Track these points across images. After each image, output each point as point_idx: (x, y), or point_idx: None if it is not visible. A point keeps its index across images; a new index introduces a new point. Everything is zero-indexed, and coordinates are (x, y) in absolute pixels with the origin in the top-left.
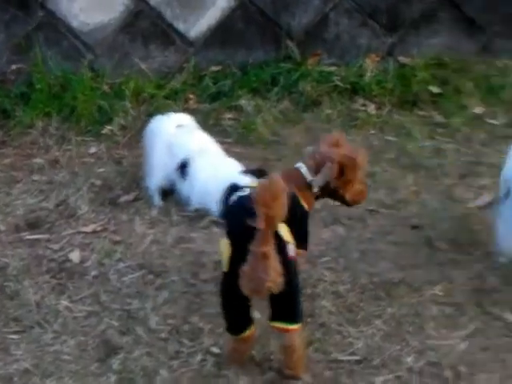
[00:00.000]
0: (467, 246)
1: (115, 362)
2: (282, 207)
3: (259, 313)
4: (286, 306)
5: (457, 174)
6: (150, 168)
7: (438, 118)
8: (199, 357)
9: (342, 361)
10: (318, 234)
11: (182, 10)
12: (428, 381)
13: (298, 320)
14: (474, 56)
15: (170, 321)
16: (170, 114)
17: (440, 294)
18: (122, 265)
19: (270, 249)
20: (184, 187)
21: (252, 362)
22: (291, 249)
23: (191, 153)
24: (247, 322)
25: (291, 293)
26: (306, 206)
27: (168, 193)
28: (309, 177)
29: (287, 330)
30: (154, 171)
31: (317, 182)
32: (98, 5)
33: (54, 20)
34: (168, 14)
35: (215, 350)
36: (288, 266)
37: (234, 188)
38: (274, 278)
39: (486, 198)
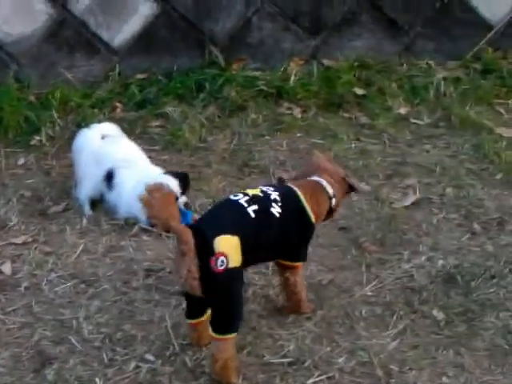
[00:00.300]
0: (395, 246)
1: (50, 373)
2: (165, 211)
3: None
4: (217, 316)
5: (383, 174)
6: (79, 179)
7: (363, 120)
8: (133, 364)
9: (274, 363)
10: None
11: (105, 18)
12: (360, 380)
13: (224, 331)
14: (397, 57)
15: (103, 329)
16: (95, 124)
17: (369, 294)
18: (53, 275)
19: (187, 249)
20: (111, 197)
21: (184, 368)
22: (222, 262)
23: (116, 163)
24: None
25: (220, 305)
26: (313, 218)
27: (97, 202)
28: (330, 190)
29: (216, 339)
30: (83, 182)
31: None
32: (20, 15)
33: None
34: (92, 23)
35: (149, 356)
36: (214, 278)
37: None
38: (186, 277)
39: (412, 198)
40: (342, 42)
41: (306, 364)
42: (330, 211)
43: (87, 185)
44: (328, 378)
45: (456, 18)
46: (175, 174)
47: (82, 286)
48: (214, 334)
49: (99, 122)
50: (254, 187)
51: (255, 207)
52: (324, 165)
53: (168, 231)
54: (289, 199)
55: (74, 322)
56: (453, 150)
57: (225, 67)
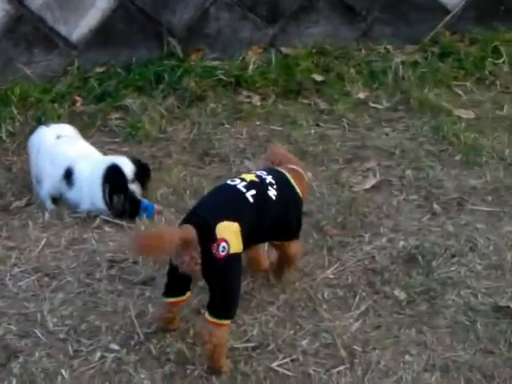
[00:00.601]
0: (356, 229)
1: (16, 366)
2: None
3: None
4: (215, 300)
5: (343, 158)
6: (38, 177)
7: (323, 105)
8: (98, 354)
9: (238, 348)
10: None
11: (63, 12)
12: (323, 361)
13: (221, 316)
14: (355, 43)
15: (67, 321)
16: (52, 124)
17: (331, 276)
18: (17, 270)
19: (189, 240)
20: (72, 194)
21: (150, 356)
22: (223, 248)
23: (73, 160)
24: None
25: (220, 290)
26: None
27: (57, 199)
28: (306, 177)
29: (211, 323)
30: (43, 181)
31: None
32: None
33: None
34: (49, 18)
35: (114, 346)
36: (215, 263)
37: (114, 168)
38: (188, 263)
39: (372, 181)
40: (300, 29)
41: (270, 347)
42: None
43: (47, 183)
44: (292, 360)
45: (413, 3)
46: (133, 160)
47: (46, 279)
48: (209, 318)
49: (59, 118)
50: (248, 172)
51: (253, 192)
52: (288, 156)
53: None
54: (281, 181)
55: (39, 315)
56: (412, 133)
57: (183, 58)
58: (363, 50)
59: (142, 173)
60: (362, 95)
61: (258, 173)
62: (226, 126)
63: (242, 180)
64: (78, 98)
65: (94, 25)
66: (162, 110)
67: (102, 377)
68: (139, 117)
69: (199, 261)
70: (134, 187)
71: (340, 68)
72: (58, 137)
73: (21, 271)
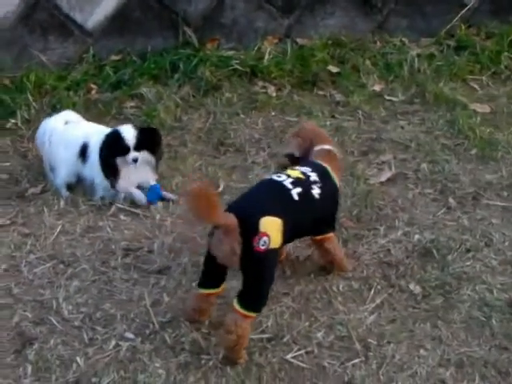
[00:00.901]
0: (371, 222)
1: (31, 353)
2: (206, 213)
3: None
4: (247, 292)
5: (358, 151)
6: (53, 166)
7: (338, 97)
8: (113, 342)
9: (253, 339)
10: None
11: (78, 0)
12: (338, 354)
13: (250, 308)
14: (371, 35)
15: (82, 309)
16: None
17: None
18: (32, 256)
19: (231, 229)
20: (87, 171)
21: (164, 345)
22: (264, 242)
23: (87, 136)
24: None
25: (254, 282)
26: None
27: (73, 186)
28: (340, 156)
29: (238, 313)
30: (57, 169)
31: None
32: None
33: None
34: (64, 5)
35: (129, 335)
36: (253, 256)
37: (110, 134)
38: (228, 253)
39: (387, 174)
40: (316, 20)
41: (285, 339)
42: None
43: (62, 171)
44: (307, 352)
45: None
46: (137, 127)
47: (61, 266)
48: (238, 307)
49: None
50: (293, 168)
51: (299, 190)
52: (319, 132)
53: None
54: (324, 178)
55: (54, 302)
56: (427, 126)
57: (199, 47)
58: (379, 42)
59: (151, 139)
60: (377, 87)
61: (303, 169)
62: (242, 116)
63: (288, 176)
64: (93, 86)
65: (110, 12)
66: (177, 98)
67: (116, 365)
68: (154, 105)
69: (238, 252)
70: (138, 154)
71: (355, 60)
72: (67, 122)
73: (36, 258)
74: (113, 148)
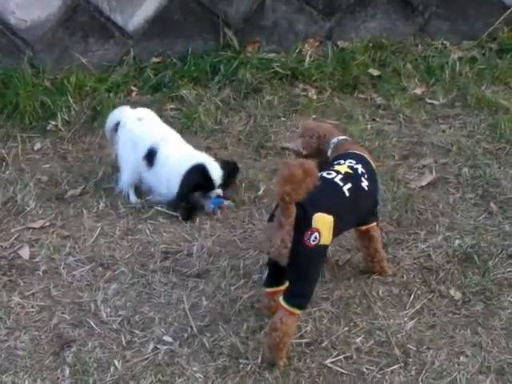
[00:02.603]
0: (411, 226)
1: (69, 355)
2: (300, 191)
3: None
4: (293, 287)
5: (399, 154)
6: (120, 167)
7: (379, 100)
8: (151, 346)
9: (292, 344)
10: None
11: (119, 2)
12: (377, 360)
13: (295, 304)
14: (412, 38)
15: (120, 312)
16: (129, 108)
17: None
18: (71, 259)
19: (286, 221)
20: (150, 176)
21: (202, 349)
22: (315, 238)
23: (157, 142)
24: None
25: (301, 277)
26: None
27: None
28: None
29: (284, 309)
30: (123, 170)
31: None
32: (34, 1)
33: None
34: (105, 8)
35: (167, 338)
36: (302, 251)
37: (198, 167)
38: (278, 246)
39: (428, 178)
40: (357, 23)
41: (324, 344)
42: None
43: (128, 171)
44: (345, 357)
45: None
46: (223, 163)
47: (100, 269)
48: (283, 303)
49: (114, 107)
50: (338, 163)
51: (349, 185)
52: (326, 127)
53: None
54: (367, 167)
55: (92, 304)
56: (469, 130)
57: (239, 50)
58: (420, 46)
59: (230, 175)
60: (418, 91)
61: (348, 163)
62: (282, 118)
63: (338, 173)
64: (133, 88)
65: (151, 15)
66: (217, 101)
67: (154, 368)
68: (195, 108)
69: (289, 245)
70: (220, 191)
71: (396, 63)
72: (140, 119)
73: (75, 260)
74: (198, 185)
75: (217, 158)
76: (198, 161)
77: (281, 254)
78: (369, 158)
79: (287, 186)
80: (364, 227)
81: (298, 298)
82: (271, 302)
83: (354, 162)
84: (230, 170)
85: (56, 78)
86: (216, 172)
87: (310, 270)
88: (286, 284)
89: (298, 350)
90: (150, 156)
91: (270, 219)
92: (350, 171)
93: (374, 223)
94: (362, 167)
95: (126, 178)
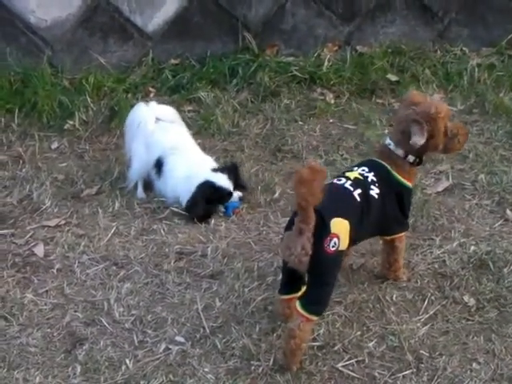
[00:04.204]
0: (427, 232)
1: (81, 353)
2: (313, 191)
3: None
4: (311, 293)
5: None
6: (130, 158)
7: (397, 106)
8: (163, 346)
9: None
10: None
11: (139, 3)
12: (390, 365)
13: (312, 310)
14: (431, 43)
15: (133, 311)
16: (152, 105)
17: None
18: (85, 257)
19: (306, 228)
20: (159, 184)
21: (214, 350)
22: (334, 243)
23: (166, 151)
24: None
25: (320, 284)
26: (407, 182)
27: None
28: (399, 152)
29: (301, 315)
30: (133, 164)
31: (411, 149)
32: (54, 0)
33: (10, 16)
34: (125, 9)
35: (179, 339)
36: (322, 257)
37: (207, 185)
38: (299, 254)
39: (444, 184)
40: (376, 28)
41: (336, 348)
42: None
43: (137, 167)
44: (357, 361)
45: (490, 5)
46: (223, 170)
47: (114, 268)
48: (300, 310)
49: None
50: (350, 170)
51: (359, 191)
52: (417, 100)
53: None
54: (382, 176)
55: (105, 303)
56: (486, 137)
57: (258, 53)
58: (439, 51)
59: (236, 178)
60: (436, 97)
61: (360, 170)
62: (300, 122)
63: (347, 179)
64: (151, 89)
65: (170, 16)
66: (235, 103)
67: (165, 369)
68: (212, 110)
69: (309, 252)
70: (234, 198)
71: (415, 69)
72: (157, 120)
73: (89, 259)
74: (211, 200)
75: (216, 166)
76: (203, 178)
77: (301, 262)
78: (392, 171)
79: (300, 189)
80: (388, 237)
81: (316, 304)
82: (286, 309)
83: (367, 169)
84: (233, 173)
85: (74, 77)
86: (224, 182)
87: (329, 276)
88: (302, 290)
89: (310, 353)
90: (159, 165)
91: (289, 227)
92: (360, 177)
93: (401, 234)
94: (374, 176)
95: (135, 170)
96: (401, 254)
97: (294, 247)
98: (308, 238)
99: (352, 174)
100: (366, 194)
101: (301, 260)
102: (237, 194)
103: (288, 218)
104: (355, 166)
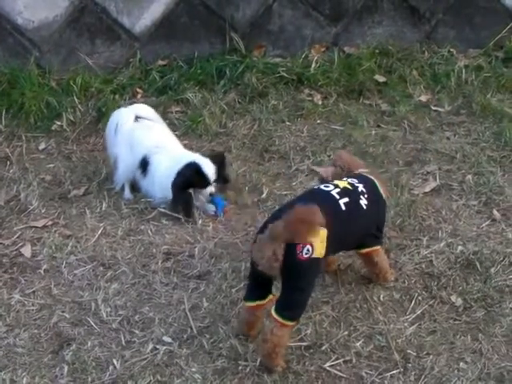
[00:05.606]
0: (414, 232)
1: (68, 354)
2: (304, 234)
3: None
4: (285, 300)
5: (403, 161)
6: (116, 162)
7: (384, 107)
8: (151, 346)
9: (291, 347)
10: None
11: (126, 4)
12: (377, 364)
13: (287, 317)
14: (418, 45)
15: (121, 311)
16: (130, 106)
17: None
18: (73, 258)
19: (278, 236)
20: (145, 184)
21: (202, 350)
22: (308, 250)
23: (150, 150)
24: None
25: (293, 290)
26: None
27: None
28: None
29: (276, 321)
30: (119, 166)
31: None
32: (42, 1)
33: None
34: (112, 9)
35: (166, 339)
36: (295, 264)
37: (191, 165)
38: (269, 258)
39: (432, 185)
40: (363, 29)
41: (323, 348)
42: None
43: (123, 168)
44: (345, 361)
45: (478, 7)
46: (211, 157)
47: (101, 268)
48: (275, 315)
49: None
50: (341, 179)
51: (346, 200)
52: (356, 161)
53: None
54: (371, 189)
55: (93, 304)
56: (473, 138)
57: (245, 54)
58: (426, 53)
59: (220, 167)
60: (423, 98)
61: (350, 180)
62: (287, 123)
63: (336, 187)
64: (139, 90)
65: (157, 17)
66: (222, 104)
67: (153, 369)
68: (200, 111)
69: (280, 258)
70: (214, 188)
71: (402, 70)
72: (137, 118)
73: (77, 259)
74: (192, 183)
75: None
76: (189, 159)
77: (272, 267)
78: (377, 183)
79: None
80: (364, 250)
81: (291, 310)
82: (252, 317)
83: (357, 181)
84: (220, 163)
85: (62, 78)
86: (209, 168)
87: (303, 282)
88: (270, 297)
89: (297, 353)
90: (144, 165)
91: (261, 231)
92: (349, 187)
93: (377, 247)
94: (364, 187)
95: (121, 173)
96: (382, 265)
97: (264, 251)
98: (279, 245)
99: (341, 183)
100: (354, 204)
101: (271, 265)
102: (209, 189)
103: None
104: (344, 177)
